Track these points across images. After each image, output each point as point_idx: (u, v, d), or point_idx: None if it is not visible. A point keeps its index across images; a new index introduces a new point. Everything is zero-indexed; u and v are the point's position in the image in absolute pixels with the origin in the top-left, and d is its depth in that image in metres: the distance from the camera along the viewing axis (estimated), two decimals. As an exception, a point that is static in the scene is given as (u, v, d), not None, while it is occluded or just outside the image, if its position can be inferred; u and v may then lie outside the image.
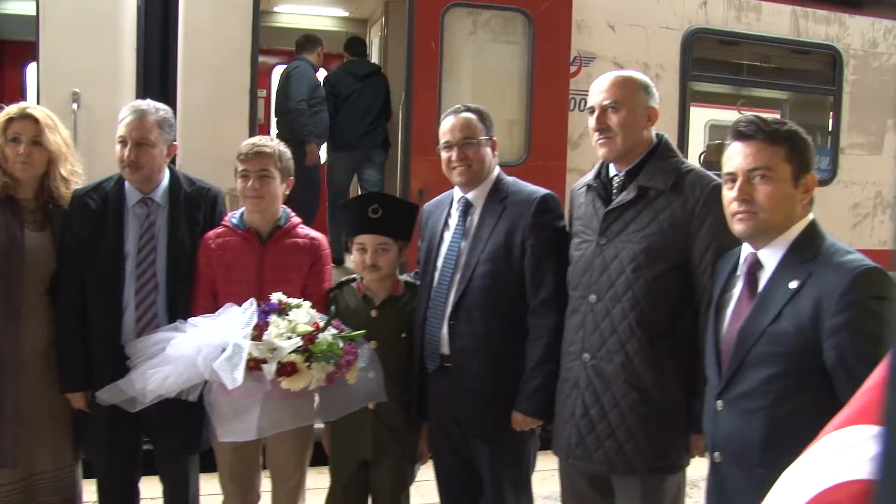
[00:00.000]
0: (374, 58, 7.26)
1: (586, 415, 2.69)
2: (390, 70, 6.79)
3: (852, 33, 6.22)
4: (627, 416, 2.63)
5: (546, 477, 3.20)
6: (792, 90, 6.92)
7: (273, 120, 6.99)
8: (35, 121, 3.09)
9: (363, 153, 6.62)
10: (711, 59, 6.20)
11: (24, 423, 3.11)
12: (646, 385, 2.62)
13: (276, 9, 7.49)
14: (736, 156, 2.23)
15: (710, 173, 2.67)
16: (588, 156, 5.40)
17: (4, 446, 3.06)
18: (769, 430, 2.13)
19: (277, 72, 7.80)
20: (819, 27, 6.14)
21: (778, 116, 7.47)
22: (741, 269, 2.30)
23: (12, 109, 3.11)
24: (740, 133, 2.23)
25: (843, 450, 1.75)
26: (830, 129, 6.40)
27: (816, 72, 6.51)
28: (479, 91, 5.24)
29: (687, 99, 5.85)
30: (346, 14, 7.78)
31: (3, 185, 3.09)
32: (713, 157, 7.12)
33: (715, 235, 2.54)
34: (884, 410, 1.05)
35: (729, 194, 2.24)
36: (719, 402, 2.25)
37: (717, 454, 2.29)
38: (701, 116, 8.49)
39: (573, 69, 5.55)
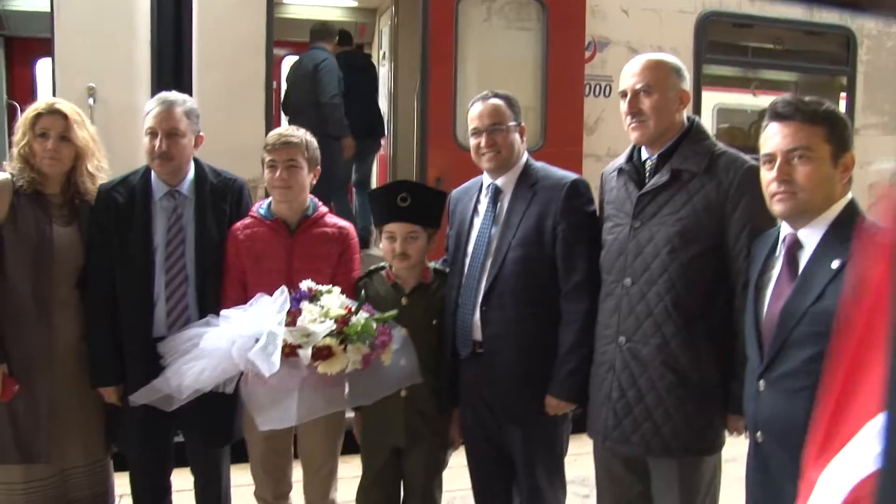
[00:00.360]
0: (385, 47, 7.26)
1: (623, 397, 2.70)
2: (401, 59, 6.78)
3: (866, 13, 6.20)
4: (665, 398, 2.63)
5: (572, 460, 3.20)
6: (806, 72, 6.89)
7: (282, 113, 6.93)
8: (63, 116, 3.09)
9: (363, 145, 6.63)
10: (725, 42, 6.18)
11: (57, 419, 3.12)
12: (682, 367, 2.62)
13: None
14: (774, 136, 2.22)
15: (743, 155, 2.67)
16: (604, 141, 5.42)
17: (39, 442, 3.08)
18: (814, 409, 2.13)
19: (287, 63, 7.79)
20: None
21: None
22: (780, 250, 2.29)
23: (40, 105, 3.12)
24: (778, 114, 2.23)
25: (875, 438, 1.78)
26: (844, 109, 6.37)
27: (830, 53, 6.49)
28: (493, 78, 5.18)
29: (700, 83, 5.83)
30: (355, 4, 7.76)
31: (30, 180, 3.10)
32: (723, 140, 7.11)
33: (750, 217, 2.54)
34: (886, 398, 1.05)
35: (768, 175, 2.24)
36: (761, 383, 2.26)
37: (759, 434, 2.30)
38: (709, 100, 8.47)
39: (588, 54, 5.53)
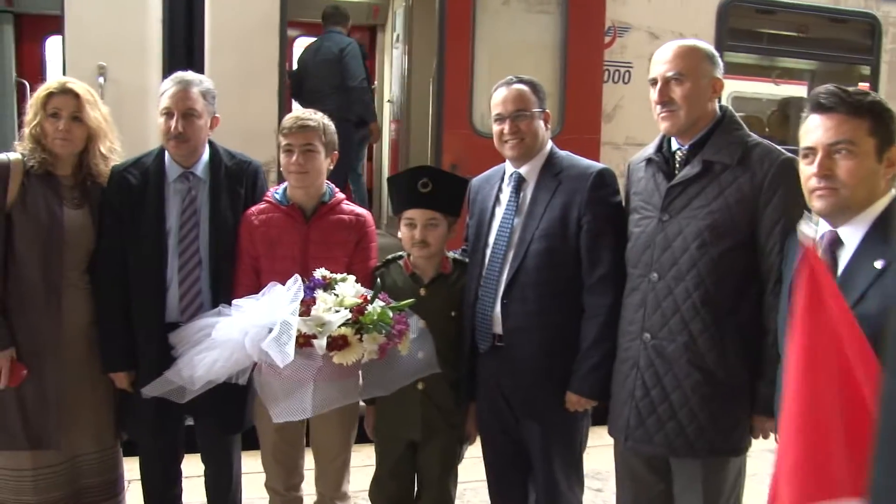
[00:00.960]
0: (398, 29, 7.15)
1: (647, 396, 2.62)
2: (415, 41, 6.68)
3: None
4: (690, 397, 2.55)
5: (585, 454, 3.13)
6: (828, 60, 6.75)
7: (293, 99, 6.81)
8: (76, 96, 3.01)
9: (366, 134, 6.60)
10: (747, 29, 6.06)
11: (66, 405, 3.06)
12: (709, 365, 2.54)
13: (296, -21, 7.34)
14: (815, 129, 2.12)
15: (778, 147, 2.57)
16: (622, 129, 5.33)
17: (48, 429, 3.02)
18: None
19: (299, 45, 7.68)
20: (858, -6, 5.99)
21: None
22: (819, 248, 2.20)
23: (52, 84, 3.04)
24: (820, 105, 2.12)
25: None
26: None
27: (854, 41, 6.35)
28: (511, 63, 5.08)
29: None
30: (368, -15, 7.66)
31: (41, 161, 3.02)
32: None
33: (784, 212, 2.45)
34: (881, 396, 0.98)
35: (807, 170, 2.14)
36: (795, 385, 2.17)
37: (791, 437, 2.22)
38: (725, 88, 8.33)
39: (607, 40, 5.43)
